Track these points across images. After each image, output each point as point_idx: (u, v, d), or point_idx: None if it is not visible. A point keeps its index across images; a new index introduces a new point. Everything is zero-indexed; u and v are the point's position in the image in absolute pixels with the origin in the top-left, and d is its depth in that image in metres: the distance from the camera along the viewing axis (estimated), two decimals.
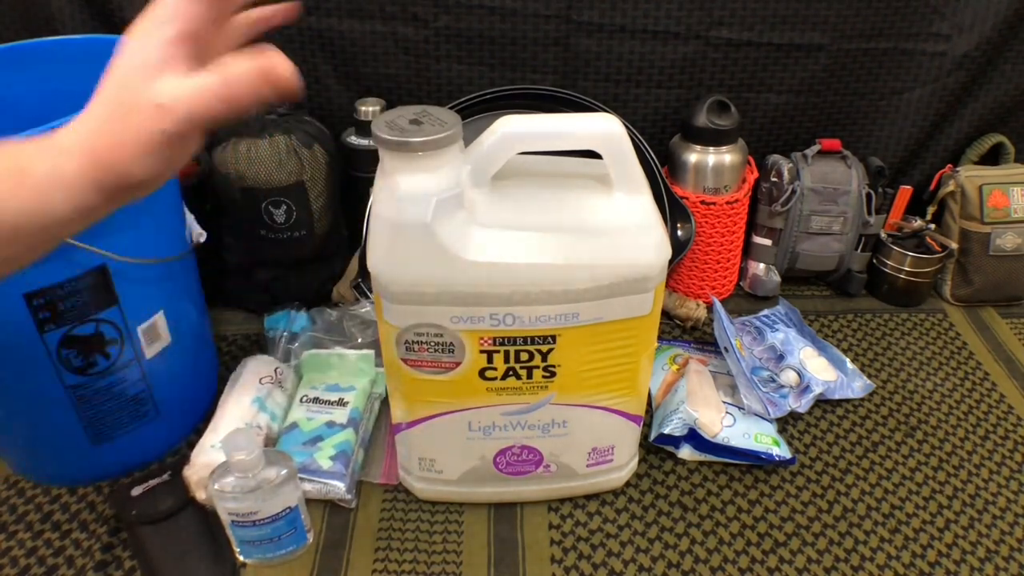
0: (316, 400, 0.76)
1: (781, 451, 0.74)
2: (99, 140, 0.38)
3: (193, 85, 0.38)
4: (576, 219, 0.58)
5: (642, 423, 0.70)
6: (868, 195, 0.94)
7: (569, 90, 0.87)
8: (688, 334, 0.94)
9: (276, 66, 0.38)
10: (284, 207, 0.85)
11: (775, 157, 0.97)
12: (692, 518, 0.70)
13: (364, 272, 0.56)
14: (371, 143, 0.74)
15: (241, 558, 0.65)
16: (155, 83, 0.38)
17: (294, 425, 0.73)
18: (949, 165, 1.00)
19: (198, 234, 0.76)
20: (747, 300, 1.00)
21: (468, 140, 0.57)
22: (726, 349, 0.80)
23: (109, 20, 0.89)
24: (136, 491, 0.67)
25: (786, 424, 0.80)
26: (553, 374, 0.62)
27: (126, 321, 0.66)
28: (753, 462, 0.74)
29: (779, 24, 0.92)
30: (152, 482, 0.68)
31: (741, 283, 1.02)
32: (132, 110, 0.38)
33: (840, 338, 0.93)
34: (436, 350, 0.60)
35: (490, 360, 0.61)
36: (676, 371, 0.83)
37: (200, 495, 0.66)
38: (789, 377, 0.82)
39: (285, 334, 0.85)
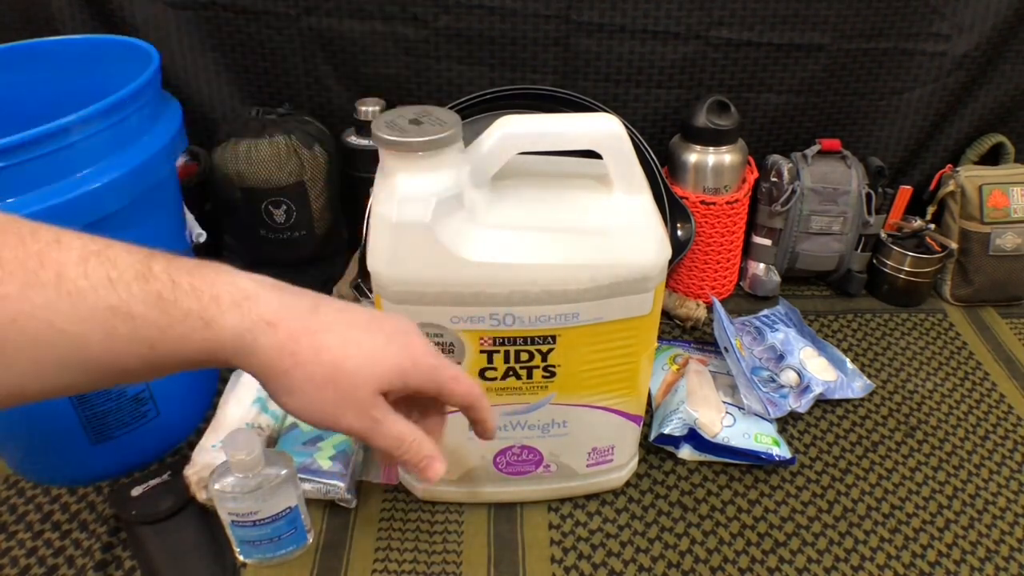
0: None
1: (781, 451, 0.74)
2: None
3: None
4: (576, 219, 0.58)
5: (642, 423, 0.70)
6: (868, 195, 0.94)
7: (569, 90, 0.87)
8: (688, 334, 0.94)
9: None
10: (284, 207, 0.85)
11: (775, 157, 0.97)
12: (692, 518, 0.70)
13: (364, 272, 0.56)
14: (371, 143, 0.74)
15: (241, 558, 0.65)
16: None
17: (294, 425, 0.73)
18: (949, 165, 1.00)
19: (198, 234, 0.76)
20: (747, 300, 1.00)
21: (468, 140, 0.57)
22: (726, 349, 0.80)
23: (109, 20, 0.89)
24: (136, 491, 0.67)
25: (786, 424, 0.80)
26: (553, 374, 0.62)
27: None
28: (753, 462, 0.74)
29: (779, 24, 0.92)
30: (152, 482, 0.68)
31: (741, 283, 1.02)
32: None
33: (840, 338, 0.93)
34: None
35: (490, 360, 0.61)
36: (676, 371, 0.83)
37: (200, 495, 0.66)
38: (789, 377, 0.82)
39: None
